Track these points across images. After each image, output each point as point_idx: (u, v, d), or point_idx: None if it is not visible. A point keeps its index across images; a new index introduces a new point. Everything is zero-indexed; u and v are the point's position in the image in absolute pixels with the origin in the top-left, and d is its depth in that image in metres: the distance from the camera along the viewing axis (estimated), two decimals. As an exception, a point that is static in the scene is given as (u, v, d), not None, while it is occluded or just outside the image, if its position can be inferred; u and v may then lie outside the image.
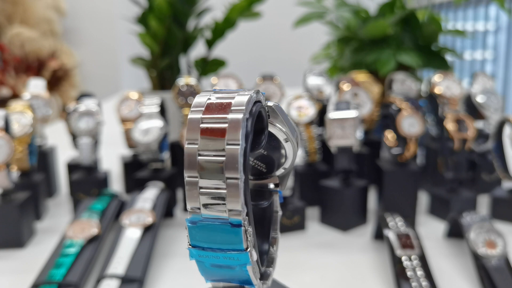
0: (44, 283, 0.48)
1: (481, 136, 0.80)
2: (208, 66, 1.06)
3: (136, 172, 0.75)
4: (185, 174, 0.24)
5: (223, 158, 0.23)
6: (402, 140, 0.67)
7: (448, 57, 1.09)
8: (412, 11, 1.06)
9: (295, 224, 0.65)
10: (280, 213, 0.33)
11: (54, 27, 2.97)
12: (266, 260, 0.31)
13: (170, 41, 0.98)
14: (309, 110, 0.72)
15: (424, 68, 1.06)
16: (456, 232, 0.60)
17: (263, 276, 0.30)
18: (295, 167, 0.74)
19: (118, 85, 3.14)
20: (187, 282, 0.52)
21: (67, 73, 2.86)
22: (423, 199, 0.75)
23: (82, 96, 0.85)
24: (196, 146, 0.24)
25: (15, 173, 0.71)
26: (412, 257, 0.50)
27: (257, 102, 0.26)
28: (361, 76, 0.86)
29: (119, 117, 0.82)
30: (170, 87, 0.98)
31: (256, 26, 1.88)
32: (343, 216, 0.65)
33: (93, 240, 0.55)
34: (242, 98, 0.24)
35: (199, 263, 0.26)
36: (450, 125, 0.69)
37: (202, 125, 0.24)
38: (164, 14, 0.94)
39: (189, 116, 0.24)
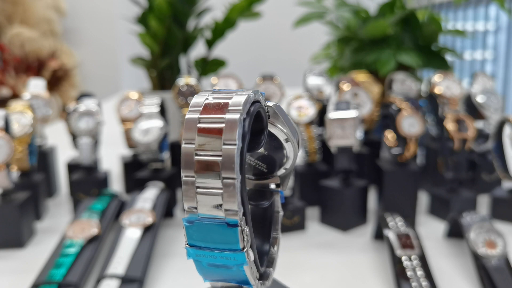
0: (44, 283, 0.48)
1: (481, 136, 0.80)
2: (208, 66, 1.06)
3: (136, 172, 0.75)
4: (182, 174, 0.24)
5: (220, 158, 0.23)
6: (402, 140, 0.67)
7: (448, 57, 1.09)
8: (412, 11, 1.06)
9: (295, 224, 0.65)
10: (281, 213, 0.33)
11: (54, 27, 2.97)
12: (266, 260, 0.31)
13: (170, 41, 0.98)
14: (309, 110, 0.72)
15: (424, 68, 1.06)
16: (456, 232, 0.60)
17: (263, 276, 0.30)
18: (295, 167, 0.74)
19: (118, 85, 3.14)
20: (187, 282, 0.52)
21: (67, 73, 2.86)
22: (423, 199, 0.75)
23: (82, 96, 0.85)
24: (193, 145, 0.24)
25: (15, 173, 0.71)
26: (412, 257, 0.50)
27: (256, 102, 0.26)
28: (361, 76, 0.86)
29: (119, 117, 0.82)
30: (170, 87, 0.99)
31: (256, 26, 1.88)
32: (343, 216, 0.65)
33: (93, 240, 0.55)
34: (239, 98, 0.24)
35: (197, 263, 0.26)
36: (450, 125, 0.69)
37: (199, 125, 0.24)
38: (164, 14, 0.94)
39: (186, 116, 0.24)
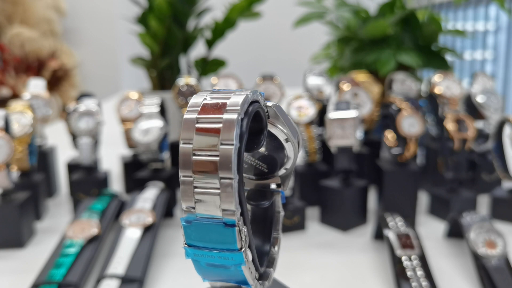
0: (44, 283, 0.48)
1: (481, 136, 0.80)
2: (208, 66, 1.06)
3: (136, 172, 0.75)
4: (180, 174, 0.24)
5: (217, 158, 0.23)
6: (402, 140, 0.67)
7: (448, 57, 1.09)
8: (412, 11, 1.06)
9: (295, 224, 0.65)
10: (282, 213, 0.33)
11: (54, 27, 2.97)
12: (266, 260, 0.31)
13: (170, 41, 0.98)
14: (309, 110, 0.72)
15: (424, 68, 1.06)
16: (456, 232, 0.60)
17: (263, 277, 0.30)
18: (296, 167, 0.74)
19: (118, 85, 3.14)
20: (187, 282, 0.52)
21: (67, 73, 2.86)
22: (423, 199, 0.75)
23: (82, 96, 0.85)
24: (191, 145, 0.24)
25: (15, 173, 0.71)
26: (412, 257, 0.50)
27: (255, 102, 0.26)
28: (361, 76, 0.86)
29: (119, 117, 0.82)
30: (170, 87, 0.98)
31: (256, 26, 1.88)
32: (343, 216, 0.65)
33: (93, 240, 0.55)
34: (237, 99, 0.24)
35: (195, 262, 0.26)
36: (450, 125, 0.69)
37: (197, 125, 0.24)
38: (164, 14, 0.94)
39: (184, 116, 0.24)
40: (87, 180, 0.71)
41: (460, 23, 2.60)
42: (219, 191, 0.23)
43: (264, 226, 0.33)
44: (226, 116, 0.24)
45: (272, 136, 0.29)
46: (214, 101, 0.25)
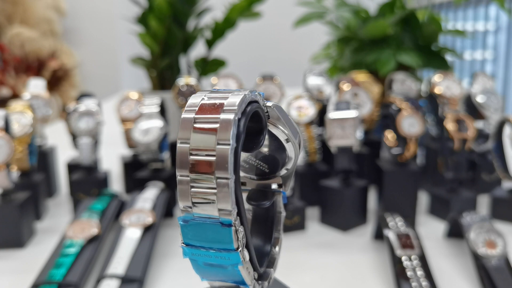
0: (44, 283, 0.48)
1: (481, 136, 0.80)
2: (208, 66, 1.06)
3: (136, 172, 0.75)
4: (177, 173, 0.24)
5: (214, 158, 0.23)
6: (402, 140, 0.67)
7: (448, 57, 1.09)
8: (412, 11, 1.06)
9: (295, 224, 0.65)
10: (283, 213, 0.33)
11: (54, 27, 2.97)
12: (266, 260, 0.31)
13: (170, 41, 0.98)
14: (309, 110, 0.72)
15: (424, 68, 1.06)
16: (456, 232, 0.60)
17: (263, 277, 0.30)
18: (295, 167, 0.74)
19: (118, 85, 3.14)
20: (187, 282, 0.52)
21: (67, 73, 2.86)
22: (423, 199, 0.75)
23: (82, 96, 0.85)
24: (188, 145, 0.24)
25: (15, 173, 0.71)
26: (412, 257, 0.50)
27: (253, 102, 0.26)
28: (361, 76, 0.86)
29: (119, 117, 0.82)
30: (170, 87, 0.98)
31: (256, 26, 1.88)
32: (343, 216, 0.65)
33: (93, 240, 0.55)
34: (234, 99, 0.24)
35: (193, 262, 0.26)
36: (450, 125, 0.69)
37: (194, 125, 0.24)
38: (164, 14, 0.94)
39: (182, 116, 0.25)
40: (87, 180, 0.71)
41: (460, 23, 2.60)
42: (215, 190, 0.23)
43: (265, 226, 0.33)
44: (223, 116, 0.24)
45: (273, 136, 0.29)
46: (212, 101, 0.25)
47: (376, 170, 0.70)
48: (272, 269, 0.31)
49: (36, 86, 0.82)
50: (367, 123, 0.83)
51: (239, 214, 0.25)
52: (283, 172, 0.32)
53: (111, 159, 0.97)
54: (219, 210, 0.24)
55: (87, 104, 0.75)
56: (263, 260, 0.31)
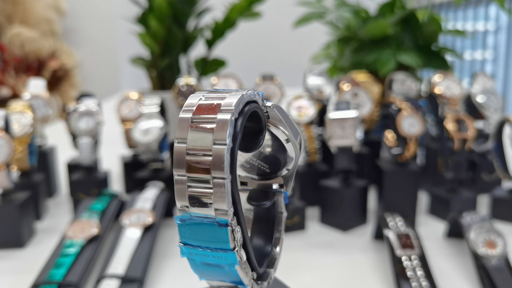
0: (44, 283, 0.48)
1: (481, 136, 0.80)
2: (208, 66, 1.06)
3: (136, 172, 0.75)
4: (174, 173, 0.24)
5: (210, 158, 0.23)
6: (402, 140, 0.67)
7: (448, 57, 1.09)
8: (412, 11, 1.06)
9: (295, 224, 0.65)
10: (285, 214, 0.33)
11: (54, 27, 2.97)
12: (267, 261, 0.31)
13: (170, 41, 0.98)
14: (309, 110, 0.72)
15: (424, 68, 1.06)
16: (456, 232, 0.60)
17: (262, 277, 0.30)
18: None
19: (118, 85, 3.14)
20: (187, 282, 0.52)
21: (67, 73, 2.86)
22: (423, 199, 0.75)
23: (82, 96, 0.85)
24: (185, 145, 0.24)
25: (15, 173, 0.71)
26: (412, 257, 0.50)
27: (252, 102, 0.26)
28: (361, 76, 0.86)
29: (119, 117, 0.82)
30: (170, 87, 0.98)
31: (256, 26, 1.88)
32: (343, 216, 0.65)
33: (93, 240, 0.55)
34: (232, 99, 0.24)
35: (191, 261, 0.26)
36: (450, 125, 0.69)
37: (191, 125, 0.24)
38: (164, 14, 0.94)
39: (179, 116, 0.25)
40: (87, 180, 0.71)
41: (460, 23, 2.60)
42: (211, 190, 0.24)
43: (266, 227, 0.33)
44: (220, 116, 0.24)
45: (274, 136, 0.29)
46: (209, 101, 0.25)
47: (376, 170, 0.71)
48: (272, 269, 0.31)
49: (36, 86, 0.82)
50: (367, 123, 0.83)
51: (236, 214, 0.25)
52: (284, 172, 0.32)
53: (111, 159, 0.97)
54: (216, 210, 0.24)
55: (87, 104, 0.75)
56: (263, 260, 0.31)
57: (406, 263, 0.50)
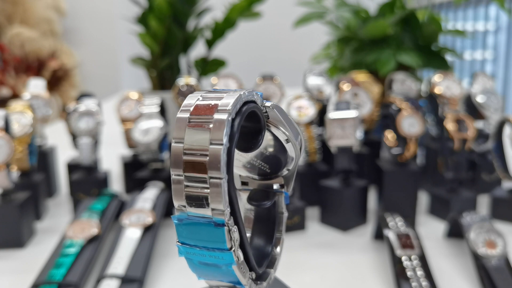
0: (44, 283, 0.48)
1: (481, 136, 0.80)
2: (208, 66, 1.06)
3: (136, 172, 0.75)
4: (171, 172, 0.24)
5: (206, 158, 0.23)
6: (402, 140, 0.67)
7: (448, 57, 1.09)
8: (412, 11, 1.06)
9: (295, 224, 0.65)
10: (285, 214, 0.33)
11: (54, 27, 2.97)
12: (267, 261, 0.31)
13: (170, 41, 0.98)
14: (309, 110, 0.72)
15: (424, 68, 1.06)
16: (456, 232, 0.60)
17: (262, 277, 0.30)
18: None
19: (118, 85, 3.14)
20: (187, 282, 0.52)
21: (67, 73, 2.86)
22: (423, 199, 0.75)
23: (82, 96, 0.85)
24: (182, 145, 0.24)
25: (15, 173, 0.71)
26: (412, 257, 0.50)
27: (250, 102, 0.26)
28: (361, 76, 0.86)
29: (119, 117, 0.82)
30: (170, 87, 0.98)
31: (256, 26, 1.88)
32: (343, 216, 0.65)
33: (93, 240, 0.55)
34: (229, 99, 0.24)
35: (188, 260, 0.26)
36: (450, 125, 0.69)
37: (189, 125, 0.24)
38: (164, 14, 0.94)
39: (177, 115, 0.25)
40: (87, 180, 0.71)
41: (460, 23, 2.60)
42: (208, 190, 0.24)
43: (267, 227, 0.33)
44: (216, 116, 0.24)
45: (275, 136, 0.29)
46: (207, 101, 0.25)
47: (376, 170, 0.70)
48: (272, 270, 0.31)
49: (36, 86, 0.82)
50: (367, 123, 0.83)
51: (233, 214, 0.25)
52: (284, 172, 0.32)
53: (111, 159, 0.97)
54: (212, 209, 0.24)
55: (87, 104, 0.75)
56: (263, 261, 0.31)
57: (406, 263, 0.50)
